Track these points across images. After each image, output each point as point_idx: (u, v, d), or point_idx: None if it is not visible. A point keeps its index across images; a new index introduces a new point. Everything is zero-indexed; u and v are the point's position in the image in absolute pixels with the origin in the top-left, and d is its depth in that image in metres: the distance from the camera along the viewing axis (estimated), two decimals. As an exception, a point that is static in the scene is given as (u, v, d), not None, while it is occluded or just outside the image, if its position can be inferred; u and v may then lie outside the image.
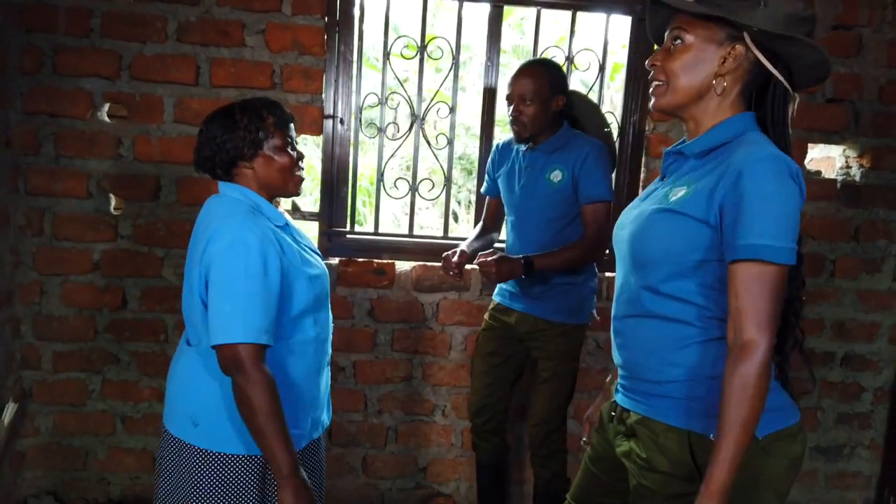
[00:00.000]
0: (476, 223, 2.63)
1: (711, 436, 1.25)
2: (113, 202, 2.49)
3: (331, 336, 1.70)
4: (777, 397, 1.31)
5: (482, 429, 2.42)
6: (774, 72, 1.24)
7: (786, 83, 1.26)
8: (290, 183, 1.60)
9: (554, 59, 2.47)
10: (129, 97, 2.44)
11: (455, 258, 2.24)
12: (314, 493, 1.49)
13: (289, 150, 1.58)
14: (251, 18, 2.44)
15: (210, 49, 2.44)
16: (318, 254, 1.69)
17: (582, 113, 2.40)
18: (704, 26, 1.26)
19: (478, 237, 2.46)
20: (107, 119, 2.44)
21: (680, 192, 1.28)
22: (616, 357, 1.44)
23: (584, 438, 1.63)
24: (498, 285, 2.44)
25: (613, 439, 1.45)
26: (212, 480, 1.52)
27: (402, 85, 2.64)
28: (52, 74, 2.39)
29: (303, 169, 1.63)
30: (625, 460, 1.40)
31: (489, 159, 2.49)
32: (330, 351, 1.70)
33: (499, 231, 2.55)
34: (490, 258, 2.12)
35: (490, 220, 2.53)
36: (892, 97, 2.66)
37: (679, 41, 1.28)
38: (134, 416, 2.60)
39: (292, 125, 1.61)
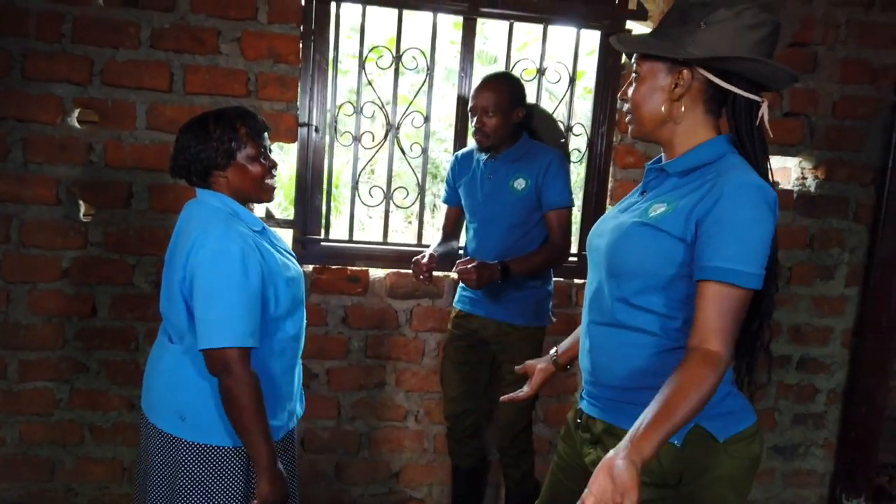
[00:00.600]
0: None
1: (677, 442, 1.30)
2: (82, 208, 2.46)
3: (304, 333, 1.79)
4: (735, 401, 1.37)
5: (463, 434, 2.48)
6: (726, 86, 1.29)
7: (745, 93, 1.29)
8: (262, 191, 1.67)
9: (521, 74, 2.55)
10: (101, 103, 2.41)
11: (425, 261, 2.29)
12: (290, 484, 1.60)
13: (261, 159, 1.64)
14: (226, 26, 2.44)
15: (184, 56, 2.43)
16: (293, 256, 1.77)
17: (539, 124, 2.51)
18: (651, 57, 1.33)
19: (441, 244, 2.53)
20: (77, 125, 2.41)
21: (660, 209, 1.32)
22: (583, 361, 1.47)
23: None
24: (458, 292, 2.51)
25: (581, 448, 1.49)
26: (199, 472, 1.61)
27: (374, 90, 2.66)
28: (21, 79, 2.35)
29: (275, 177, 1.69)
30: (593, 469, 1.44)
31: (449, 169, 2.55)
32: (301, 347, 1.80)
33: (458, 239, 2.63)
34: (469, 265, 2.19)
35: (450, 227, 2.60)
36: (845, 112, 2.79)
37: (636, 74, 1.36)
38: (103, 426, 2.57)
39: (266, 134, 1.67)
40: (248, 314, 1.52)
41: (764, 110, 1.31)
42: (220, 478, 1.61)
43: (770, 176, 1.32)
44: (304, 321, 1.77)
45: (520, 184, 2.34)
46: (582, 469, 1.50)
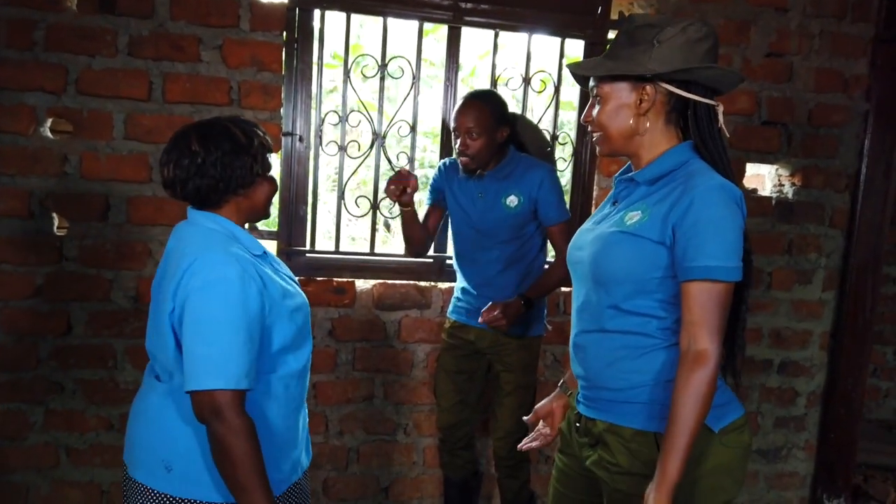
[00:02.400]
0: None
1: None
2: (56, 222, 2.36)
3: (309, 370, 1.61)
4: (723, 393, 1.43)
5: (456, 445, 2.46)
6: (688, 95, 1.38)
7: (704, 100, 1.38)
8: (268, 209, 1.56)
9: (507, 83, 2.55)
10: (76, 112, 2.32)
11: (412, 180, 2.20)
12: None
13: (271, 173, 1.54)
14: (207, 33, 2.38)
15: (163, 64, 2.36)
16: (295, 281, 1.61)
17: (524, 134, 2.49)
18: (613, 78, 1.40)
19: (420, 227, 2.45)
20: (50, 135, 2.32)
21: (635, 217, 1.39)
22: (576, 369, 1.51)
23: (538, 434, 1.68)
24: (453, 303, 2.49)
25: (580, 452, 1.50)
26: None
27: (358, 97, 2.63)
28: (-9, 88, 2.25)
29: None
30: (595, 469, 1.46)
31: (433, 178, 2.51)
32: (307, 386, 1.62)
33: (429, 245, 2.55)
34: (495, 312, 2.20)
35: (427, 223, 2.50)
36: (820, 120, 2.86)
37: (598, 97, 1.43)
38: (80, 448, 2.46)
39: None
40: (243, 351, 1.32)
41: (720, 112, 1.41)
42: None
43: (732, 175, 1.40)
44: (310, 356, 1.58)
45: (512, 201, 2.31)
46: (584, 475, 1.52)
